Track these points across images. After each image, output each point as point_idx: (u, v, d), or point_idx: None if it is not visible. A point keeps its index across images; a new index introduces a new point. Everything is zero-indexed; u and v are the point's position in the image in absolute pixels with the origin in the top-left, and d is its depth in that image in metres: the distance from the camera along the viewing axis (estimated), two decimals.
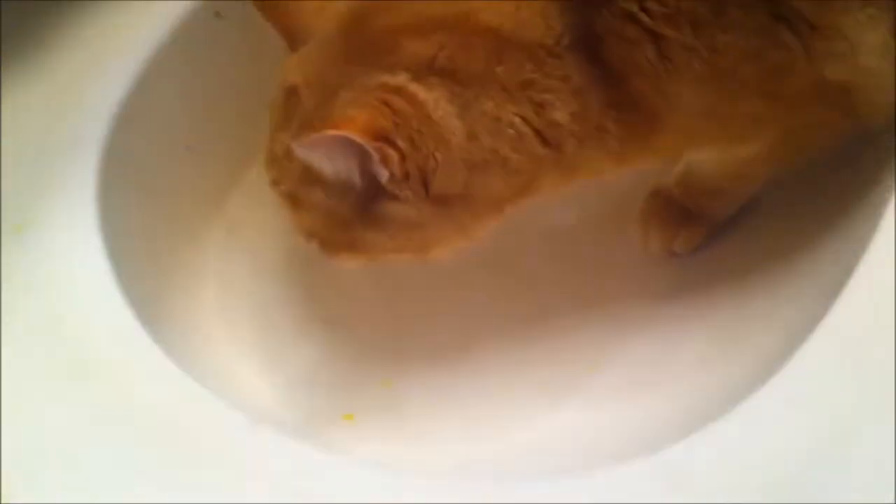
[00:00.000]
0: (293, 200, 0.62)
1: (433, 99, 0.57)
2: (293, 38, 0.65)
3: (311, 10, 0.64)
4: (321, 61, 0.61)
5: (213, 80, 0.77)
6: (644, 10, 0.55)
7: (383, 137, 0.56)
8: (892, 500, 0.47)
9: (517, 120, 0.58)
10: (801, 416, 0.51)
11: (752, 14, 0.54)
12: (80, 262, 0.63)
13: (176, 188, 0.76)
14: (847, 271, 0.56)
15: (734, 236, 0.73)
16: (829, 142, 0.64)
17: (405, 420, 0.71)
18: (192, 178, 0.77)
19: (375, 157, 0.56)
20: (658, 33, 0.55)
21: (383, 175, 0.57)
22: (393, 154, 0.56)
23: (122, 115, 0.68)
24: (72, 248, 0.63)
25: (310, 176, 0.60)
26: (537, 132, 0.58)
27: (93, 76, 0.69)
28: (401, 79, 0.57)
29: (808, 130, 0.62)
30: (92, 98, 0.68)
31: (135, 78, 0.70)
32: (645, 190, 0.76)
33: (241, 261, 0.80)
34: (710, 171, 0.71)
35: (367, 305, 0.77)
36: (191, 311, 0.75)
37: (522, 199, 0.62)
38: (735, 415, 0.52)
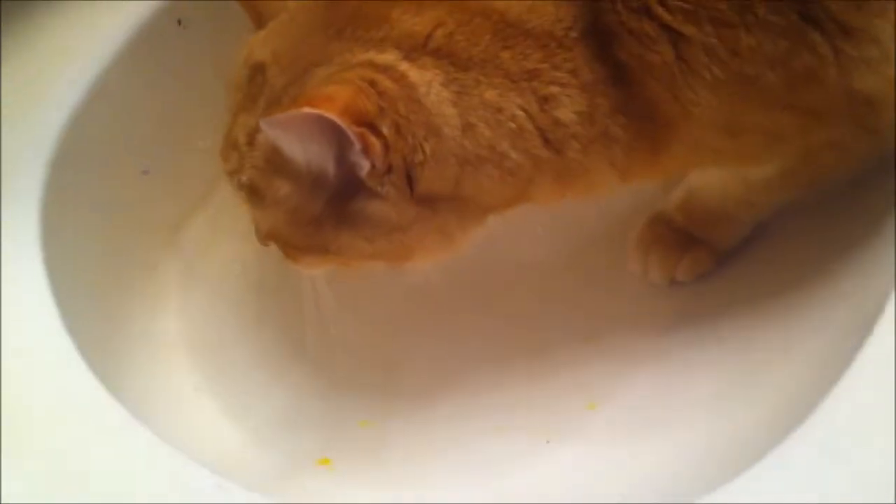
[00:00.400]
0: (254, 193, 0.55)
1: (426, 81, 0.51)
2: (260, 15, 0.59)
3: None
4: (295, 35, 0.55)
5: (174, 95, 0.72)
6: (662, 3, 0.51)
7: (366, 122, 0.50)
8: None
9: (520, 113, 0.52)
10: (840, 470, 0.45)
11: (780, 13, 0.50)
12: (19, 300, 0.57)
13: (130, 215, 0.71)
14: (876, 301, 0.52)
15: (741, 261, 0.68)
16: (847, 168, 0.60)
17: (388, 464, 0.66)
18: (148, 203, 0.72)
19: (357, 144, 0.50)
20: (676, 31, 0.51)
21: (364, 166, 0.51)
22: (376, 142, 0.50)
23: (68, 136, 0.62)
24: (11, 284, 0.57)
25: (275, 165, 0.53)
26: (540, 130, 0.53)
27: (36, 91, 0.63)
28: (389, 56, 0.52)
29: (827, 150, 0.58)
30: (35, 117, 0.62)
31: (84, 93, 0.65)
32: (641, 214, 0.71)
33: (204, 292, 0.75)
34: (715, 198, 0.67)
35: (343, 339, 0.71)
36: (147, 350, 0.70)
37: (510, 207, 0.57)
38: (761, 468, 0.46)
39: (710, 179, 0.66)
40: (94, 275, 0.66)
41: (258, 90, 0.54)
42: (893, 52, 0.52)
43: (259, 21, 0.59)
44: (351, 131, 0.49)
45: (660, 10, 0.50)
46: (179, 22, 0.70)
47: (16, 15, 0.66)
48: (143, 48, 0.68)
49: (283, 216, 0.55)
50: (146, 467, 0.52)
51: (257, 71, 0.55)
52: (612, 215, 0.72)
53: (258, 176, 0.54)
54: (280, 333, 0.73)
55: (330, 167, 0.52)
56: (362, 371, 0.71)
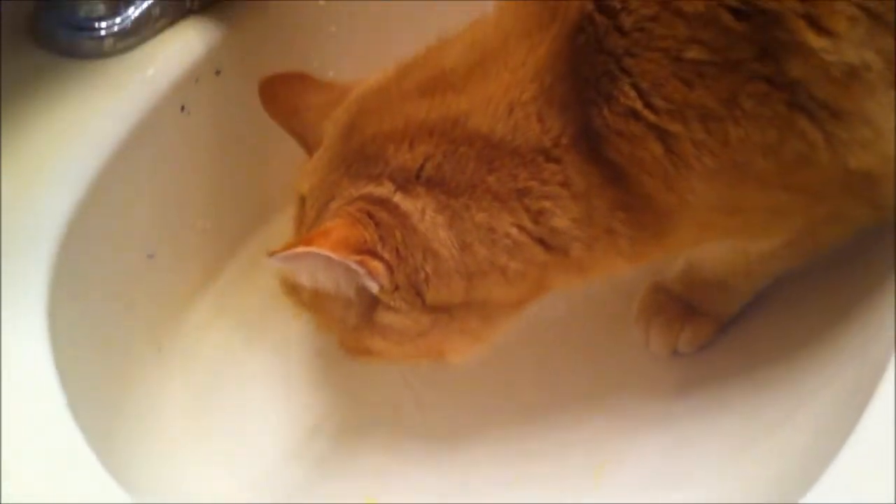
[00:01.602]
0: (310, 307, 0.63)
1: (418, 209, 0.55)
2: (306, 142, 0.65)
3: (320, 110, 0.63)
4: (321, 170, 0.60)
5: (177, 179, 0.73)
6: (649, 106, 0.52)
7: (365, 250, 0.54)
8: None
9: (514, 230, 0.55)
10: None
11: (766, 104, 0.51)
12: (25, 381, 0.56)
13: (135, 297, 0.70)
14: (875, 367, 0.52)
15: (743, 328, 0.69)
16: (848, 234, 0.61)
17: None
18: (153, 285, 0.72)
19: (360, 271, 0.54)
20: (664, 129, 0.52)
21: (373, 287, 0.56)
22: (377, 265, 0.55)
23: (75, 222, 0.62)
24: (16, 365, 0.56)
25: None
26: (538, 240, 0.56)
27: (43, 177, 0.63)
28: (385, 189, 0.56)
29: (829, 223, 0.60)
30: (42, 203, 0.62)
31: (90, 181, 0.64)
32: (645, 280, 0.72)
33: (208, 370, 0.74)
34: (714, 268, 0.68)
35: (349, 412, 0.72)
36: (151, 430, 0.68)
37: (536, 298, 0.60)
38: None
39: (709, 250, 0.67)
40: (99, 356, 0.66)
41: (302, 220, 0.61)
42: (890, 130, 0.52)
43: (307, 149, 0.64)
44: (350, 260, 0.53)
45: (646, 112, 0.52)
46: (183, 108, 0.71)
47: (21, 102, 0.67)
48: (148, 133, 0.68)
49: (333, 325, 0.62)
50: None
51: (302, 203, 0.61)
52: (614, 281, 0.69)
53: (308, 294, 0.60)
54: (285, 408, 0.72)
55: (349, 289, 0.57)
56: (368, 445, 0.70)
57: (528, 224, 0.55)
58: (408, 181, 0.55)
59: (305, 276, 0.57)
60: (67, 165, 0.65)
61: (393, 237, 0.55)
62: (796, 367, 0.62)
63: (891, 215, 0.58)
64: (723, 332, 0.69)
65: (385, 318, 0.57)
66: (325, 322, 0.62)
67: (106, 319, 0.67)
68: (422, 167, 0.55)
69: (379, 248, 0.54)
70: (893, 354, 0.51)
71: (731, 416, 0.64)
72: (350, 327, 0.60)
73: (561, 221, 0.55)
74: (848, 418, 0.50)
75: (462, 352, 0.60)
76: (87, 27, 0.69)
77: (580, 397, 0.70)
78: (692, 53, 0.51)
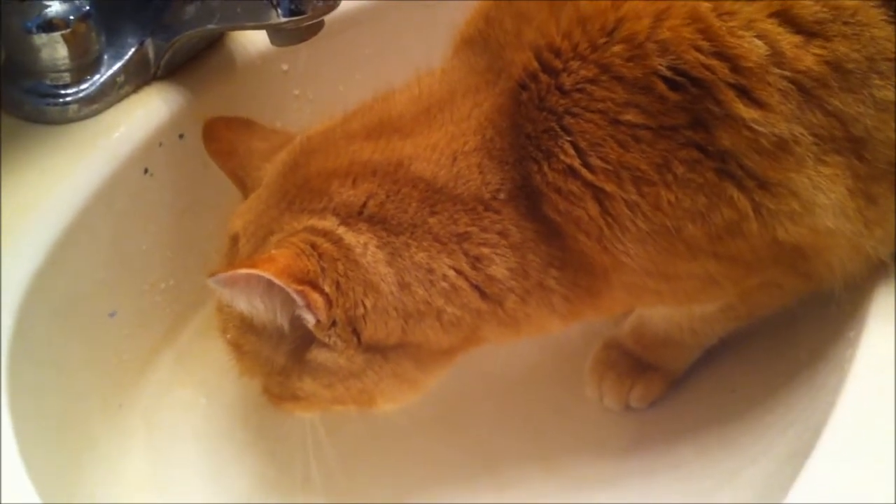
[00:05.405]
0: (236, 348, 0.61)
1: (361, 243, 0.55)
2: (243, 185, 0.65)
3: (261, 154, 0.64)
4: (259, 207, 0.60)
5: (142, 240, 0.74)
6: (586, 165, 0.53)
7: (308, 281, 0.54)
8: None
9: (451, 273, 0.56)
10: None
11: (697, 171, 0.52)
12: None
13: (96, 357, 0.70)
14: (815, 427, 0.53)
15: (692, 390, 0.71)
16: (786, 301, 0.62)
17: None
18: (114, 344, 0.72)
19: (299, 301, 0.54)
20: (600, 188, 0.53)
21: (309, 320, 0.55)
22: (318, 298, 0.54)
23: (37, 284, 0.63)
24: None
25: (248, 323, 0.58)
26: (474, 286, 0.56)
27: (8, 239, 0.62)
28: (328, 223, 0.56)
29: (762, 292, 0.61)
30: (4, 264, 0.62)
31: (55, 241, 0.64)
32: (596, 340, 0.73)
33: (169, 429, 0.74)
34: (662, 325, 0.69)
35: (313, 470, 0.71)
36: (114, 493, 0.69)
37: (469, 348, 0.60)
38: None
39: (656, 309, 0.69)
40: (59, 414, 0.66)
41: (234, 257, 0.60)
42: (819, 204, 0.53)
43: (244, 192, 0.65)
44: (291, 289, 0.53)
45: (583, 171, 0.53)
46: (146, 171, 0.72)
47: None
48: (112, 196, 0.69)
49: (258, 368, 0.60)
50: None
51: (234, 240, 0.61)
52: (566, 340, 0.73)
53: (237, 333, 0.60)
54: (246, 469, 0.72)
55: (285, 322, 0.56)
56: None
57: (466, 268, 0.56)
58: (350, 216, 0.56)
59: (243, 302, 0.55)
60: (33, 227, 0.66)
61: (335, 269, 0.54)
62: (740, 430, 0.63)
63: (825, 285, 0.59)
64: (674, 390, 0.71)
65: (319, 356, 0.57)
66: (250, 364, 0.60)
67: (66, 377, 0.68)
68: (364, 204, 0.56)
69: (320, 280, 0.54)
70: (828, 422, 0.53)
71: (678, 476, 0.65)
72: (277, 369, 0.59)
73: (498, 270, 0.56)
74: (783, 484, 0.51)
75: (393, 398, 0.60)
76: (52, 94, 0.70)
77: (530, 461, 0.70)
78: (629, 116, 0.52)
